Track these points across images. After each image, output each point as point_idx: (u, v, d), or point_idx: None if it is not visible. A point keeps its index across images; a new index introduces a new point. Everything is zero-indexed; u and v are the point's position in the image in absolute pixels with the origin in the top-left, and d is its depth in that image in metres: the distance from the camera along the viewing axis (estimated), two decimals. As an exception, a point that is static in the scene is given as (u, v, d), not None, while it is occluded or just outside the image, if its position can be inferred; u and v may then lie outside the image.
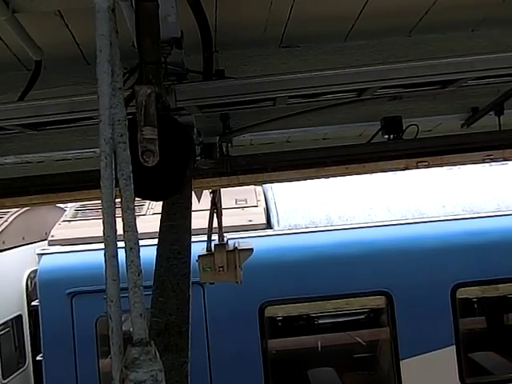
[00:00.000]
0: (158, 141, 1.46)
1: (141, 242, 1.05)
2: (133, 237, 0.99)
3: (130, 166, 1.04)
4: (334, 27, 2.75)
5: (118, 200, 1.05)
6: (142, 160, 1.42)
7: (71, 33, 2.37)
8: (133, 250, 0.99)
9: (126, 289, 1.05)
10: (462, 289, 6.04)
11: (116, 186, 1.03)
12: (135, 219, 1.02)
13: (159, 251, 2.14)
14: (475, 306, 6.56)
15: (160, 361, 0.98)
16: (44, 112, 2.28)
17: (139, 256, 1.01)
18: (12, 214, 6.76)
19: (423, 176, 6.60)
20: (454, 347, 5.87)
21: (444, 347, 5.88)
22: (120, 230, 1.03)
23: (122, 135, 1.00)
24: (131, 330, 1.04)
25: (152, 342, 0.99)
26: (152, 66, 1.64)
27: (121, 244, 1.04)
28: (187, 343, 1.70)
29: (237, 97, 2.30)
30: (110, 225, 0.98)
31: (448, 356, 5.86)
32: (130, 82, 2.11)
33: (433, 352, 5.86)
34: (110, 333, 0.98)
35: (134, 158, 1.11)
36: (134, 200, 1.04)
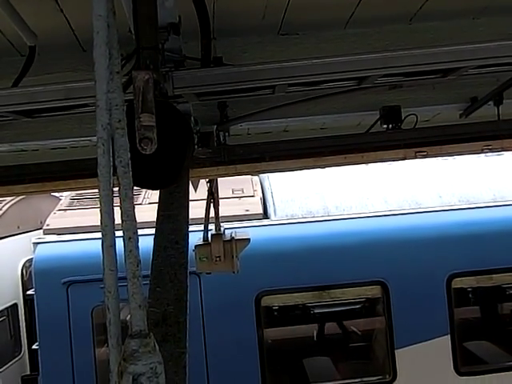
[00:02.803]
0: (156, 128, 1.43)
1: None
2: (131, 226, 0.96)
3: (129, 153, 1.01)
4: (334, 14, 2.71)
5: (115, 188, 1.02)
6: (139, 148, 1.39)
7: (66, 18, 2.32)
8: (131, 239, 0.96)
9: (123, 278, 1.03)
10: (458, 279, 6.07)
11: (114, 174, 1.00)
12: (134, 208, 0.99)
13: (156, 241, 2.12)
14: (470, 295, 6.60)
15: (159, 353, 0.96)
16: (38, 98, 2.23)
17: (138, 246, 0.98)
18: (7, 203, 6.72)
19: (420, 166, 6.60)
20: (448, 336, 5.91)
21: (439, 337, 5.92)
22: (118, 219, 1.00)
23: (119, 121, 0.97)
24: (128, 319, 1.01)
25: (151, 333, 0.96)
26: (149, 52, 1.60)
27: (119, 233, 1.02)
28: (185, 334, 1.69)
29: (235, 84, 2.27)
30: (107, 214, 0.95)
31: (443, 345, 5.90)
32: (126, 69, 2.07)
33: (428, 341, 5.90)
34: (107, 324, 0.96)
35: (131, 146, 1.09)
36: (133, 188, 1.01)
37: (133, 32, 1.79)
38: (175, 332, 1.67)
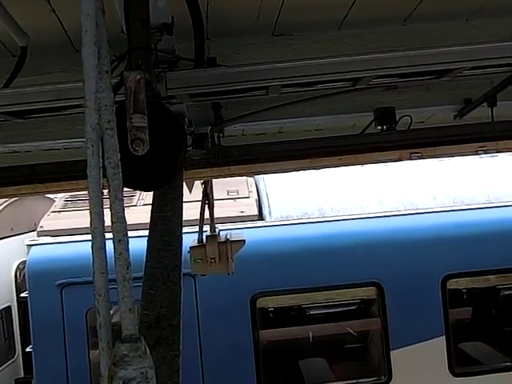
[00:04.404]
0: (148, 129, 1.41)
1: (131, 234, 1.01)
2: (121, 228, 0.95)
3: (118, 154, 0.99)
4: (328, 16, 2.71)
5: (106, 190, 1.01)
6: (131, 149, 1.37)
7: (58, 18, 2.30)
8: (121, 242, 0.94)
9: (114, 280, 1.01)
10: (453, 280, 6.08)
11: (104, 176, 0.98)
12: (124, 210, 0.97)
13: (150, 243, 2.11)
14: (465, 296, 6.61)
15: (150, 357, 0.94)
16: (30, 99, 2.21)
17: (128, 248, 0.97)
18: (0, 205, 6.67)
19: (415, 168, 6.61)
20: (443, 337, 5.92)
21: (434, 337, 5.92)
22: (108, 221, 0.98)
23: (109, 121, 0.95)
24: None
25: (142, 337, 0.95)
26: (141, 52, 1.59)
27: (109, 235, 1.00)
28: (178, 336, 1.67)
29: (229, 85, 2.26)
30: (97, 215, 0.94)
31: (438, 346, 5.90)
32: (118, 70, 2.05)
33: (423, 342, 5.90)
34: (98, 328, 0.94)
35: (123, 147, 1.07)
36: (123, 189, 1.00)
37: (125, 32, 1.77)
38: (168, 335, 1.65)
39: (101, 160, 0.96)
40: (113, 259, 1.03)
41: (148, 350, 0.95)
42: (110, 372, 0.91)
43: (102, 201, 0.96)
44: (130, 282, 0.94)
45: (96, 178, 0.94)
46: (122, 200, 0.97)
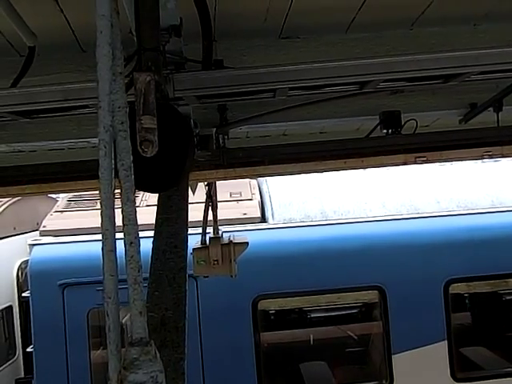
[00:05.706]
0: (158, 131, 1.41)
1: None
2: (133, 230, 0.94)
3: (131, 156, 0.98)
4: (335, 19, 2.71)
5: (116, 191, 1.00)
6: (140, 150, 1.37)
7: (66, 18, 2.31)
8: (133, 244, 0.94)
9: (123, 281, 1.00)
10: (455, 284, 6.06)
11: (115, 177, 0.98)
12: (135, 212, 0.97)
13: (155, 244, 2.10)
14: (467, 301, 6.59)
15: (160, 361, 0.94)
16: (37, 99, 2.21)
17: (139, 251, 0.96)
18: (3, 204, 6.67)
19: (418, 172, 6.60)
20: (445, 342, 5.90)
21: (436, 342, 5.90)
22: (119, 223, 0.98)
23: (122, 123, 0.95)
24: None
25: (152, 341, 0.94)
26: (151, 53, 1.59)
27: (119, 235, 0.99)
28: (183, 339, 1.66)
29: (236, 87, 2.26)
30: (108, 217, 0.93)
31: (440, 351, 5.88)
32: (126, 71, 2.05)
33: (425, 347, 5.88)
34: (107, 330, 0.94)
35: (132, 148, 1.06)
36: (135, 191, 0.99)
37: (134, 33, 1.77)
38: (174, 337, 1.64)
39: (113, 161, 0.95)
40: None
41: (158, 354, 0.94)
42: (120, 376, 0.90)
43: (114, 202, 0.96)
44: (140, 284, 0.94)
45: (108, 180, 0.93)
46: (134, 202, 0.97)
